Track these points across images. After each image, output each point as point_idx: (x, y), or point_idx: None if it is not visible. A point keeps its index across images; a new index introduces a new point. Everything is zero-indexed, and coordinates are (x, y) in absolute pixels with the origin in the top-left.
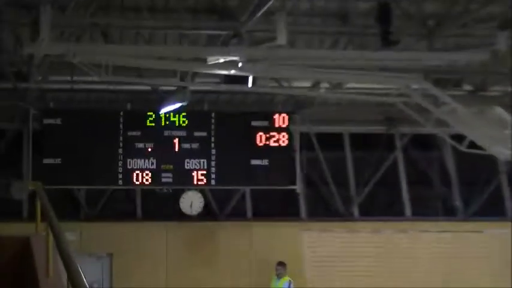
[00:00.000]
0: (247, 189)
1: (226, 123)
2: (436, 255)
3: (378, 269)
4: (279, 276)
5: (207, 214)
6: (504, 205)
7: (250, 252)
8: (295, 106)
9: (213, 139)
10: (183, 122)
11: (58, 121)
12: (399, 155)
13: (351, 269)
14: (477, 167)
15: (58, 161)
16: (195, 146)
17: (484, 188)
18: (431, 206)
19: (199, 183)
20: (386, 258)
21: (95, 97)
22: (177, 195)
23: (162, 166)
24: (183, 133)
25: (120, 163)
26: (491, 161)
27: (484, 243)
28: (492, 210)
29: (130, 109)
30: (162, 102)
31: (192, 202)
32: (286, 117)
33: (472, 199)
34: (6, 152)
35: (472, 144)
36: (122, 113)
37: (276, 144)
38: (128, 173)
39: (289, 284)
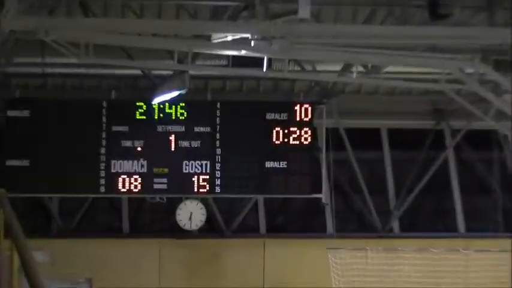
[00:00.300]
0: (260, 199)
1: (235, 117)
2: (496, 280)
3: None
4: None
5: (210, 229)
6: None
7: (263, 277)
8: (320, 95)
9: (218, 136)
10: (181, 114)
11: (26, 113)
12: (450, 156)
13: None
14: None
15: (25, 162)
16: (195, 144)
17: None
18: (491, 219)
19: (200, 190)
20: (435, 284)
21: (72, 84)
22: (173, 205)
23: (155, 169)
24: (181, 128)
25: (102, 166)
26: None
27: None
28: None
29: (116, 98)
30: (155, 90)
31: (191, 214)
32: (310, 109)
33: None
34: None
35: None
36: (105, 104)
37: (297, 142)
38: (112, 178)
39: None
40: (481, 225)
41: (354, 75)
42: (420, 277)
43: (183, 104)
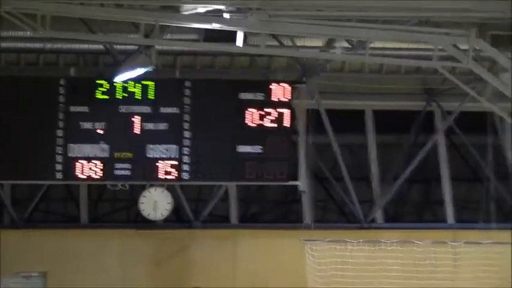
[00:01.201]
0: (232, 186)
1: (206, 96)
2: (486, 275)
3: None
4: None
5: (177, 219)
6: None
7: (234, 271)
8: (300, 73)
9: (187, 118)
10: (147, 94)
11: None
12: (441, 140)
13: None
14: None
15: None
16: (162, 126)
17: None
18: (483, 209)
19: (167, 177)
20: (420, 280)
21: (27, 59)
22: (136, 193)
23: (117, 154)
24: (146, 109)
25: (59, 149)
26: None
27: None
28: None
29: (75, 76)
30: (119, 67)
31: (156, 203)
32: (288, 89)
33: None
34: None
35: None
36: (62, 81)
37: (273, 124)
38: (70, 164)
39: None
40: (472, 216)
41: (338, 51)
42: (404, 271)
43: (149, 83)
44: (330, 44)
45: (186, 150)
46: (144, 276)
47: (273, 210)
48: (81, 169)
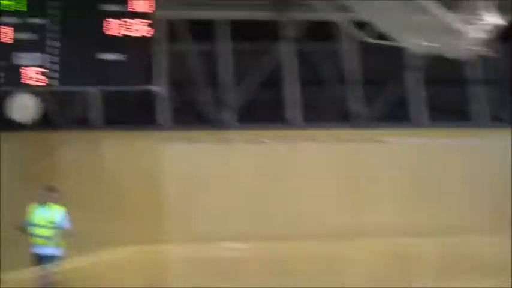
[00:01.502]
0: (96, 91)
1: (70, 7)
2: (328, 170)
3: (257, 189)
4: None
5: (45, 123)
6: (411, 110)
7: (98, 169)
8: None
9: (52, 27)
10: (15, 5)
11: None
12: (287, 48)
13: (223, 188)
14: (383, 63)
15: None
16: (29, 36)
17: (390, 89)
18: (325, 110)
19: (36, 83)
20: (268, 175)
21: None
22: (7, 99)
23: None
24: (16, 20)
25: None
26: (400, 54)
27: (388, 156)
28: (398, 116)
29: None
30: None
31: (25, 107)
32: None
33: (374, 102)
34: None
35: (379, 35)
36: None
37: (133, 33)
38: None
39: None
40: (315, 116)
41: None
42: (255, 170)
43: None
44: None
45: (53, 59)
46: (12, 176)
47: (133, 114)
48: None
